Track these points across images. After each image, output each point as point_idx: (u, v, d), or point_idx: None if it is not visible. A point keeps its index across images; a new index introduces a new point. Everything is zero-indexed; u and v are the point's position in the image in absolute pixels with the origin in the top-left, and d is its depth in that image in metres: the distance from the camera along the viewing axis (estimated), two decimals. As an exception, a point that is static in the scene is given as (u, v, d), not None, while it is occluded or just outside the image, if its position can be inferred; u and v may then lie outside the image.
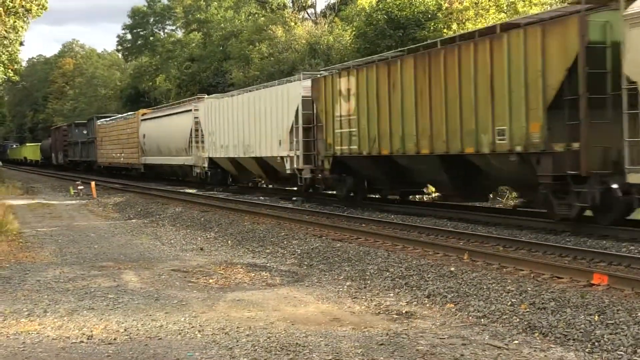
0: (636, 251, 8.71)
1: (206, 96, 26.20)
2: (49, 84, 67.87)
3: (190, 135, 24.57)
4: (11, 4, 16.05)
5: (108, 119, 38.77)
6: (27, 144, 69.64)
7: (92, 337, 5.98)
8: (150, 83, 45.28)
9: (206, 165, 23.28)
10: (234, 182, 24.95)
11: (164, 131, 27.98)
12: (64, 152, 47.15)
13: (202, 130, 23.70)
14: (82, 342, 5.87)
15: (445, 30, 21.58)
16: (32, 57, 75.61)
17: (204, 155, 23.38)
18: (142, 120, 31.16)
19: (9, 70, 21.68)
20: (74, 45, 70.71)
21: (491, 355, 5.22)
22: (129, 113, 35.18)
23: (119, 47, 62.87)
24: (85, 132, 42.01)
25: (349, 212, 15.39)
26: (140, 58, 51.97)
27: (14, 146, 76.94)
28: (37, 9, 19.90)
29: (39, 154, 58.25)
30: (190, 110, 25.07)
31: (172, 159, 27.56)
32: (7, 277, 8.57)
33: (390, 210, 15.49)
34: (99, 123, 38.65)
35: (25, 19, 17.75)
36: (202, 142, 23.61)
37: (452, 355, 5.26)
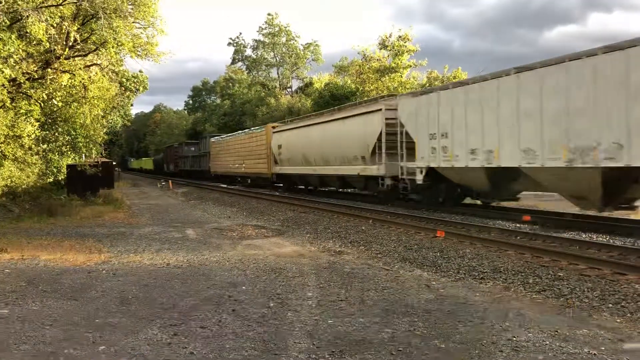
0: (459, 219, 13.75)
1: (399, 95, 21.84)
2: (146, 127, 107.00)
3: (379, 139, 18.72)
4: (129, 86, 24.40)
5: (222, 136, 45.53)
6: (143, 159, 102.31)
7: (169, 264, 9.33)
8: (203, 127, 72.10)
9: (420, 177, 16.19)
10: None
11: (320, 139, 23.70)
12: (175, 163, 61.28)
13: (405, 133, 17.28)
14: (163, 266, 9.16)
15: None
16: (137, 112, 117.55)
17: (415, 165, 16.52)
18: (274, 132, 30.12)
19: (125, 120, 37.66)
20: (160, 106, 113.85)
21: (383, 273, 8.43)
22: (254, 128, 37.33)
23: (185, 107, 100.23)
24: (193, 148, 55.82)
25: (309, 197, 23.89)
26: (196, 113, 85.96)
27: (132, 160, 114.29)
28: (142, 89, 32.48)
29: (152, 164, 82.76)
30: (380, 110, 19.00)
31: (338, 168, 22.20)
32: (123, 232, 13.53)
33: (337, 197, 23.78)
34: (212, 140, 46.05)
35: (135, 94, 27.64)
36: (404, 148, 17.36)
37: (362, 273, 8.42)
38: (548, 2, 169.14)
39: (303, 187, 28.70)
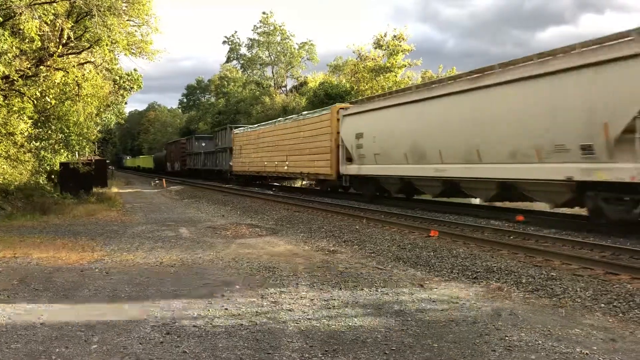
0: (453, 219, 13.74)
1: None
2: (140, 125, 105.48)
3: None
4: (123, 84, 25.54)
5: (251, 126, 35.30)
6: (140, 156, 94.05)
7: (162, 263, 9.25)
8: (196, 126, 72.22)
9: None
10: None
11: (463, 120, 14.38)
12: (182, 161, 53.70)
13: None
14: (156, 265, 9.08)
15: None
16: (131, 111, 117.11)
17: None
18: (346, 116, 21.09)
19: (119, 118, 40.06)
20: (154, 104, 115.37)
21: (376, 272, 8.40)
22: (306, 113, 26.89)
23: (179, 106, 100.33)
24: (204, 144, 47.69)
25: (303, 196, 23.60)
26: (190, 112, 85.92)
27: (127, 158, 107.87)
28: (136, 87, 34.80)
29: (152, 163, 74.26)
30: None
31: (506, 168, 13.03)
32: (116, 230, 13.47)
33: (331, 196, 23.48)
34: (236, 132, 36.22)
35: (129, 92, 29.53)
36: None
37: (356, 272, 8.42)
38: (541, 4, 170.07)
39: (403, 196, 20.11)
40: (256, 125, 35.14)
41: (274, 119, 34.50)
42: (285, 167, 27.65)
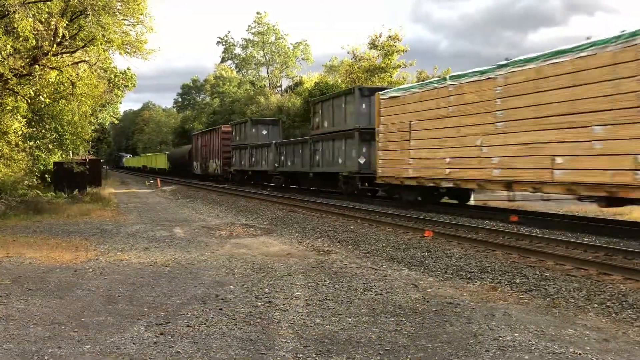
0: (447, 219, 13.84)
1: None
2: (135, 125, 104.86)
3: None
4: (117, 83, 25.92)
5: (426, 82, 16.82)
6: (148, 154, 77.15)
7: (156, 263, 9.19)
8: (191, 126, 70.95)
9: None
10: None
11: None
12: (225, 159, 37.59)
13: None
14: (151, 265, 9.02)
15: None
16: (126, 110, 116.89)
17: None
18: None
19: (113, 118, 38.03)
20: (149, 104, 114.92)
21: (371, 273, 8.42)
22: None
23: (174, 105, 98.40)
24: (265, 131, 33.58)
25: (297, 196, 23.20)
26: (185, 111, 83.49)
27: (128, 157, 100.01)
28: (131, 86, 33.34)
29: (166, 162, 59.04)
30: None
31: None
32: (110, 230, 13.43)
33: (326, 196, 23.03)
34: (384, 95, 17.75)
35: (123, 91, 29.78)
36: None
37: (350, 272, 8.40)
38: (531, 6, 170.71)
39: None
40: (437, 80, 16.10)
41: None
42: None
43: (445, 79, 15.31)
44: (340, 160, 21.80)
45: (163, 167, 60.50)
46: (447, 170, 15.04)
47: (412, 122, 16.57)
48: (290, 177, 28.70)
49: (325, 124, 23.79)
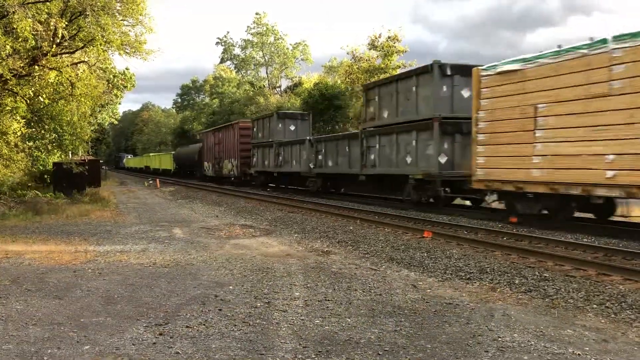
0: (446, 219, 13.86)
1: None
2: (134, 125, 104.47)
3: None
4: (116, 83, 26.25)
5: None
6: (151, 154, 73.02)
7: (156, 263, 9.17)
8: (190, 126, 71.95)
9: None
10: None
11: None
12: (243, 159, 33.48)
13: None
14: (150, 266, 8.97)
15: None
16: (125, 111, 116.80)
17: None
18: None
19: (112, 118, 38.21)
20: (148, 104, 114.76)
21: (370, 273, 8.37)
22: None
23: (174, 106, 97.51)
24: (292, 127, 29.61)
25: (296, 196, 23.32)
26: (185, 112, 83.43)
27: (129, 157, 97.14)
28: (130, 86, 33.55)
29: (171, 163, 55.46)
30: None
31: None
32: (109, 230, 13.43)
33: (325, 197, 23.10)
34: (506, 68, 13.08)
35: (122, 91, 29.89)
36: None
37: (350, 273, 8.35)
38: (529, 6, 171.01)
39: None
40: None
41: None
42: None
43: (604, 41, 10.91)
44: (409, 160, 17.51)
45: (168, 168, 57.37)
46: (610, 173, 10.75)
47: (539, 106, 12.31)
48: (331, 180, 24.26)
49: (386, 114, 19.31)
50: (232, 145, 35.24)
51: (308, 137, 25.93)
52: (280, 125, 29.51)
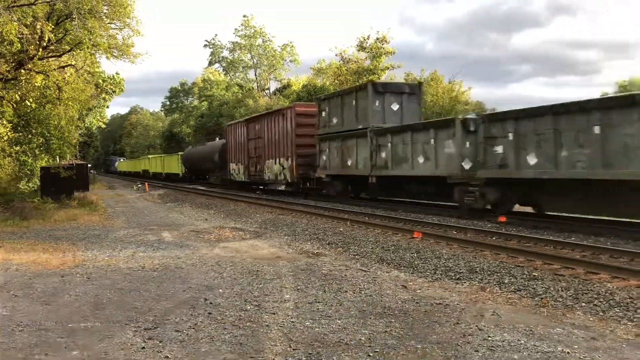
0: (436, 220, 13.95)
1: None
2: (122, 129, 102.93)
3: None
4: (105, 87, 26.28)
5: None
6: (150, 156, 62.11)
7: (144, 267, 9.18)
8: (179, 129, 71.15)
9: None
10: None
11: None
12: (302, 157, 23.86)
13: None
14: (139, 270, 8.97)
15: None
16: (113, 114, 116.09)
17: None
18: None
19: (100, 122, 38.24)
20: (136, 107, 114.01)
21: (360, 274, 8.40)
22: None
23: (162, 109, 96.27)
24: (395, 106, 19.31)
25: (286, 199, 23.43)
26: (173, 115, 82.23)
27: (121, 160, 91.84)
28: (118, 91, 33.53)
29: (178, 166, 45.46)
30: None
31: None
32: (97, 235, 13.34)
33: (316, 199, 23.23)
34: None
35: (111, 95, 29.97)
36: None
37: (340, 274, 8.41)
38: (515, 7, 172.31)
39: None
40: None
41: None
42: None
43: None
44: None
45: (175, 172, 46.97)
46: None
47: None
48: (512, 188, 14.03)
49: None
50: (282, 138, 25.60)
51: (466, 116, 15.65)
52: (377, 103, 19.37)
